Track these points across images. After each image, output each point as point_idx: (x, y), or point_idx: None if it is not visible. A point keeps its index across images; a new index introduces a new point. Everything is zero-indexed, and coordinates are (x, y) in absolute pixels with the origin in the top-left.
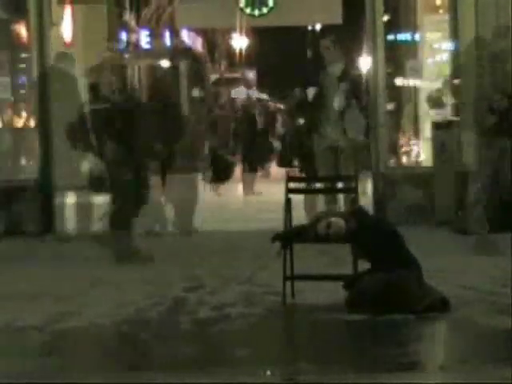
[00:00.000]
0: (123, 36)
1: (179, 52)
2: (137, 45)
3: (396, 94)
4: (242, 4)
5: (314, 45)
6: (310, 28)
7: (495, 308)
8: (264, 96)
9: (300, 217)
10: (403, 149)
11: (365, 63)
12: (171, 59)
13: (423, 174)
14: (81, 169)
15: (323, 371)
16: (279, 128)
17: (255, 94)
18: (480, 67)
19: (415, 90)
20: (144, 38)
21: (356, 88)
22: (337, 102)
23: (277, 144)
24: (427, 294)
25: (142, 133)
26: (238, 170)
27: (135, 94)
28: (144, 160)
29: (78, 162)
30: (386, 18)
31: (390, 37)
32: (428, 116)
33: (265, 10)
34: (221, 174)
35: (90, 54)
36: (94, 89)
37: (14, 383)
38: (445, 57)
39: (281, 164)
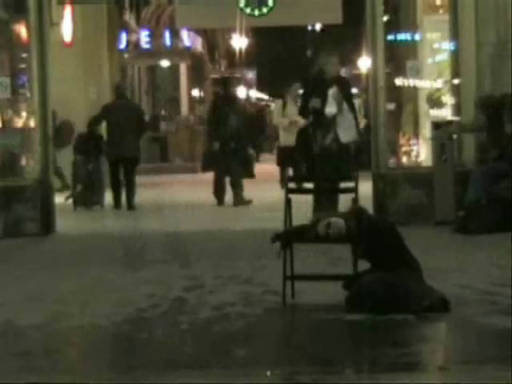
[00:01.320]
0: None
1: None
2: (136, 45)
3: (396, 94)
4: (241, 4)
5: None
6: (310, 28)
7: (495, 308)
8: (264, 96)
9: (300, 217)
10: (403, 149)
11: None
12: None
13: (423, 174)
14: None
15: (323, 371)
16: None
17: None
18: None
19: (415, 89)
20: (144, 38)
21: (347, 92)
22: (327, 107)
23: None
24: (427, 293)
25: None
26: None
27: None
28: None
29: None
30: (385, 18)
31: (390, 37)
32: (428, 116)
33: (265, 10)
34: None
35: (90, 53)
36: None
37: (14, 383)
38: (445, 57)
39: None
